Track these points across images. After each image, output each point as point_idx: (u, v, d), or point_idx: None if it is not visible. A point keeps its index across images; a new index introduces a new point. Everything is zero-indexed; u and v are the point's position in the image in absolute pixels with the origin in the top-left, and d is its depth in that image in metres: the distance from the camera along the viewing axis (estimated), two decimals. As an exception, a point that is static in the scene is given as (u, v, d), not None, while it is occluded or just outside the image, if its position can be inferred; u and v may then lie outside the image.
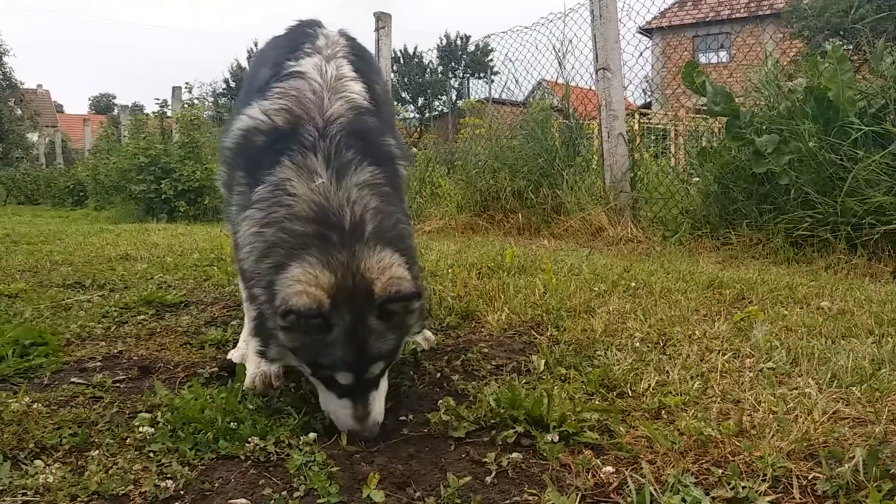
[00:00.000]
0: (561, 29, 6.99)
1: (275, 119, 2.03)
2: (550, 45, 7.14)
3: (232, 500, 1.46)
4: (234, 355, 2.76)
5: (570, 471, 1.55)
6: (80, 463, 1.64)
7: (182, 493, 1.50)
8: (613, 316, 2.89)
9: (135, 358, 2.58)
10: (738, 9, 26.69)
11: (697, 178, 6.01)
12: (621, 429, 1.71)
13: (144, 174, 11.04)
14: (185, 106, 12.16)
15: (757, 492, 1.37)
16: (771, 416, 1.75)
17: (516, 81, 7.89)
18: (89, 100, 77.49)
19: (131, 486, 1.50)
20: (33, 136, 30.66)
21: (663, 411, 1.84)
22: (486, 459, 1.61)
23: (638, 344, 2.46)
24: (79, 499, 1.45)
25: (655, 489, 1.36)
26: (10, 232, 7.99)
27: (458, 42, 40.12)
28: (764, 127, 5.13)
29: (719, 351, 2.33)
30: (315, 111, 2.02)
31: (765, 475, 1.44)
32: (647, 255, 5.06)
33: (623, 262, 4.35)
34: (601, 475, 1.49)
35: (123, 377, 2.34)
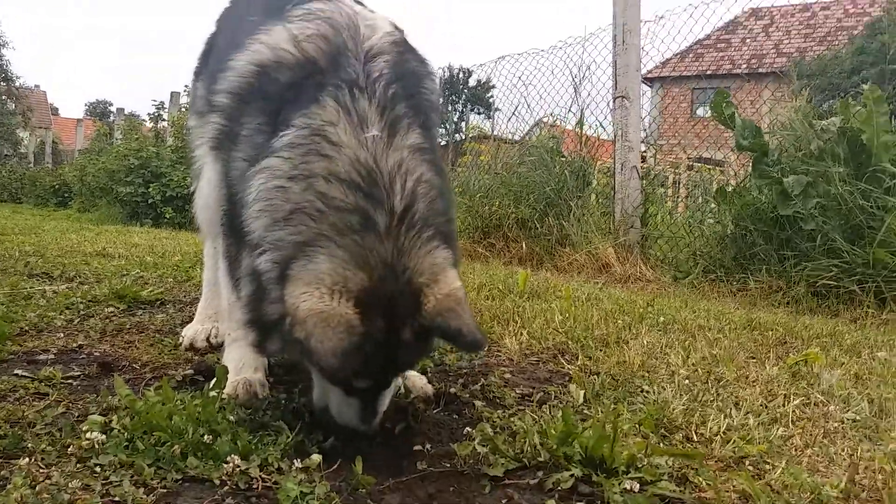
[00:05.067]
0: (580, 54, 6.74)
1: (306, 48, 1.62)
2: (567, 71, 6.87)
3: (199, 542, 1.08)
4: (187, 333, 2.38)
5: (653, 532, 1.19)
6: (2, 473, 1.26)
7: (131, 525, 1.12)
8: (649, 349, 2.54)
9: (96, 353, 2.20)
10: (739, 64, 26.89)
11: (712, 220, 5.73)
12: (701, 480, 1.35)
13: (133, 176, 10.66)
14: (183, 110, 11.82)
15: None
16: (881, 474, 1.40)
17: (528, 106, 7.59)
18: (86, 105, 76.79)
19: (63, 511, 1.12)
20: (24, 134, 29.98)
21: (745, 461, 1.48)
22: (539, 509, 1.24)
23: (686, 382, 2.11)
24: (-12, 523, 1.07)
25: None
26: (-16, 223, 7.57)
27: (461, 76, 40.35)
28: (790, 167, 4.86)
29: (785, 396, 1.98)
30: (351, 40, 1.63)
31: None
32: (659, 295, 4.73)
33: (644, 297, 4.02)
34: (698, 541, 1.13)
35: (79, 373, 1.96)
